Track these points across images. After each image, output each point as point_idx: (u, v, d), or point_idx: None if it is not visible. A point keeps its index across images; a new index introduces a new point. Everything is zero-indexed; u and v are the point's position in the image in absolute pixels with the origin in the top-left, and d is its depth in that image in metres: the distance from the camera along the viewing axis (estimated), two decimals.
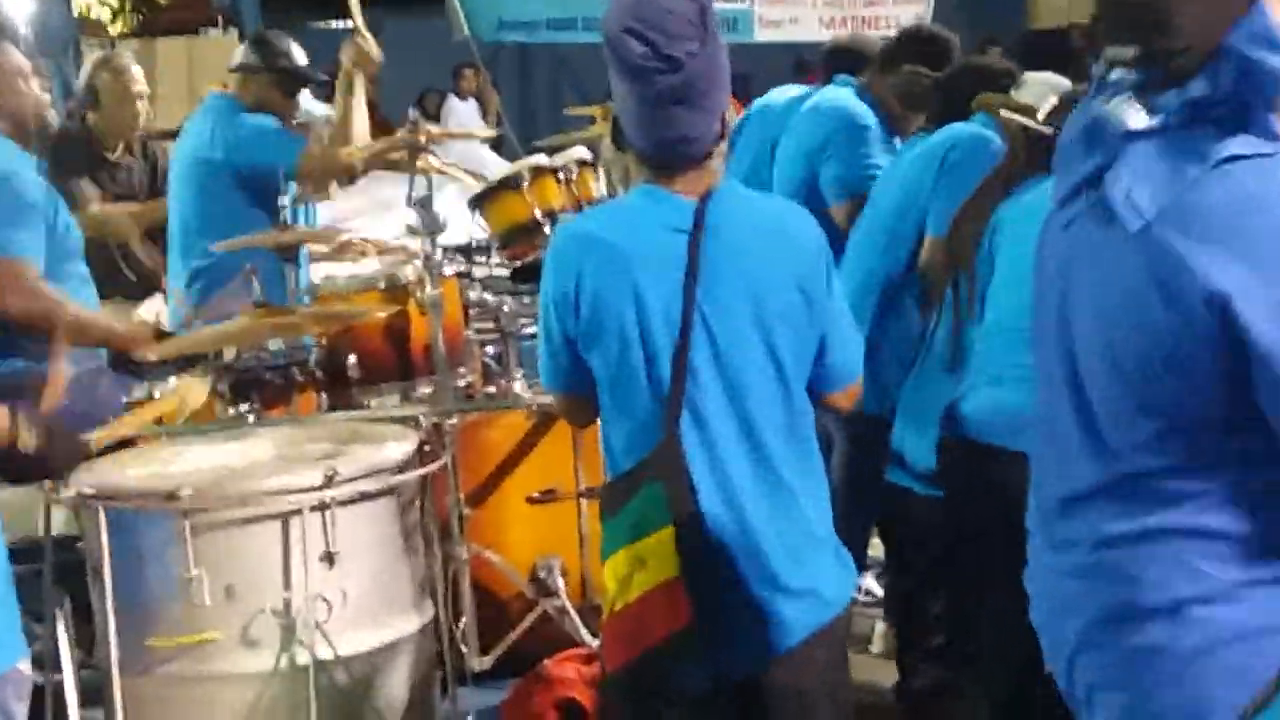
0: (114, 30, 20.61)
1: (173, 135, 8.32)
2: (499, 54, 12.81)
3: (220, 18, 21.31)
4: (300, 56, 6.27)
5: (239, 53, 6.34)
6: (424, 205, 4.88)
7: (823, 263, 3.44)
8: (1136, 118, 2.51)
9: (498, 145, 12.46)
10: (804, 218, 3.53)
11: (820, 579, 3.40)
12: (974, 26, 5.67)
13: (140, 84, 7.15)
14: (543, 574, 5.04)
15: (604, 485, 3.50)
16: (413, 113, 6.60)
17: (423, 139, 5.03)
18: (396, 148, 5.61)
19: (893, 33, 10.03)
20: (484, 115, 14.65)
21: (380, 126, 14.39)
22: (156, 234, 6.74)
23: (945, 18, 10.11)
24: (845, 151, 5.76)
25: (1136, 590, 2.50)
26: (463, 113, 15.09)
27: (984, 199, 4.77)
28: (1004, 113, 4.89)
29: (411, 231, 5.19)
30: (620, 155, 3.55)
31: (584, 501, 5.07)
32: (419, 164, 4.92)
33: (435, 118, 14.66)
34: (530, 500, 5.11)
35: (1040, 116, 4.73)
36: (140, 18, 20.95)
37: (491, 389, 5.28)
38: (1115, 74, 2.58)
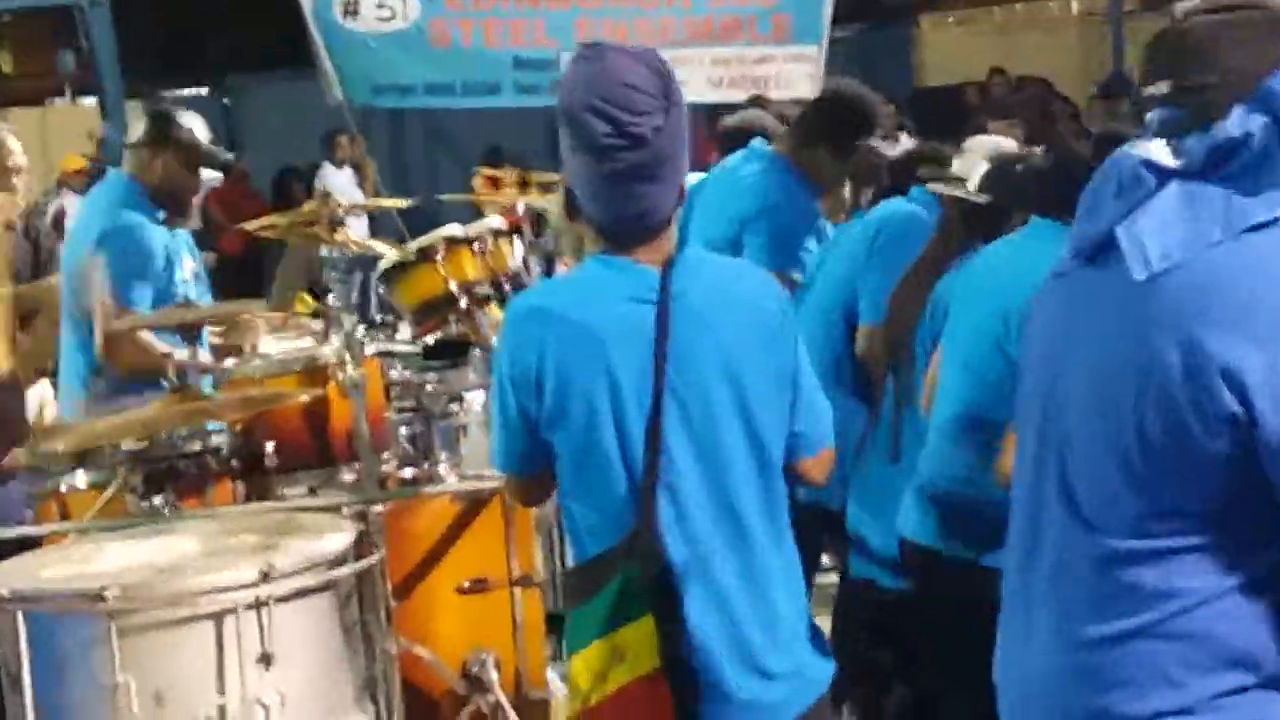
0: None
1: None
2: (370, 119, 12.64)
3: (68, 86, 20.95)
4: (203, 131, 6.01)
5: (134, 125, 6.08)
6: (342, 281, 4.67)
7: (789, 325, 3.33)
8: (1161, 154, 2.42)
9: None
10: (766, 280, 3.43)
11: (803, 659, 3.28)
12: (863, 84, 5.65)
13: (19, 157, 6.81)
14: (475, 669, 4.80)
15: (570, 570, 3.34)
16: (319, 185, 6.39)
17: (340, 211, 4.83)
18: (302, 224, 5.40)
19: (782, 93, 9.96)
20: (361, 183, 14.42)
21: (252, 198, 14.24)
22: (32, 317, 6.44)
23: (836, 74, 10.08)
24: (772, 226, 5.60)
25: (1114, 699, 2.41)
26: (339, 181, 14.84)
27: (919, 279, 4.67)
28: (932, 186, 4.80)
29: (328, 309, 4.94)
30: (571, 226, 3.37)
31: (517, 590, 4.86)
32: (337, 237, 4.72)
33: (308, 187, 14.43)
34: (460, 590, 4.87)
35: (972, 185, 4.64)
36: None
37: (414, 473, 5.06)
38: (1150, 115, 2.49)
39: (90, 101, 17.89)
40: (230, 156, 6.23)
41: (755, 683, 3.19)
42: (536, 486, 3.47)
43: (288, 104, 17.09)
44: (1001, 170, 4.61)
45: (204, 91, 19.57)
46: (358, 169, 14.56)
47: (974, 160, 4.78)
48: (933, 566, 4.19)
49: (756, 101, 8.26)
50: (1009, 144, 4.86)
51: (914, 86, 18.79)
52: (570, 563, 3.38)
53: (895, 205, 5.08)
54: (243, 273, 14.58)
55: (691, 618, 3.16)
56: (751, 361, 3.23)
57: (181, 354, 4.73)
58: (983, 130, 6.89)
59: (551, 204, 3.37)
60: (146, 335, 5.31)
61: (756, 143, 5.91)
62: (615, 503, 3.20)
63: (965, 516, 4.09)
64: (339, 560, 3.82)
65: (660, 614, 3.11)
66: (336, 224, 4.72)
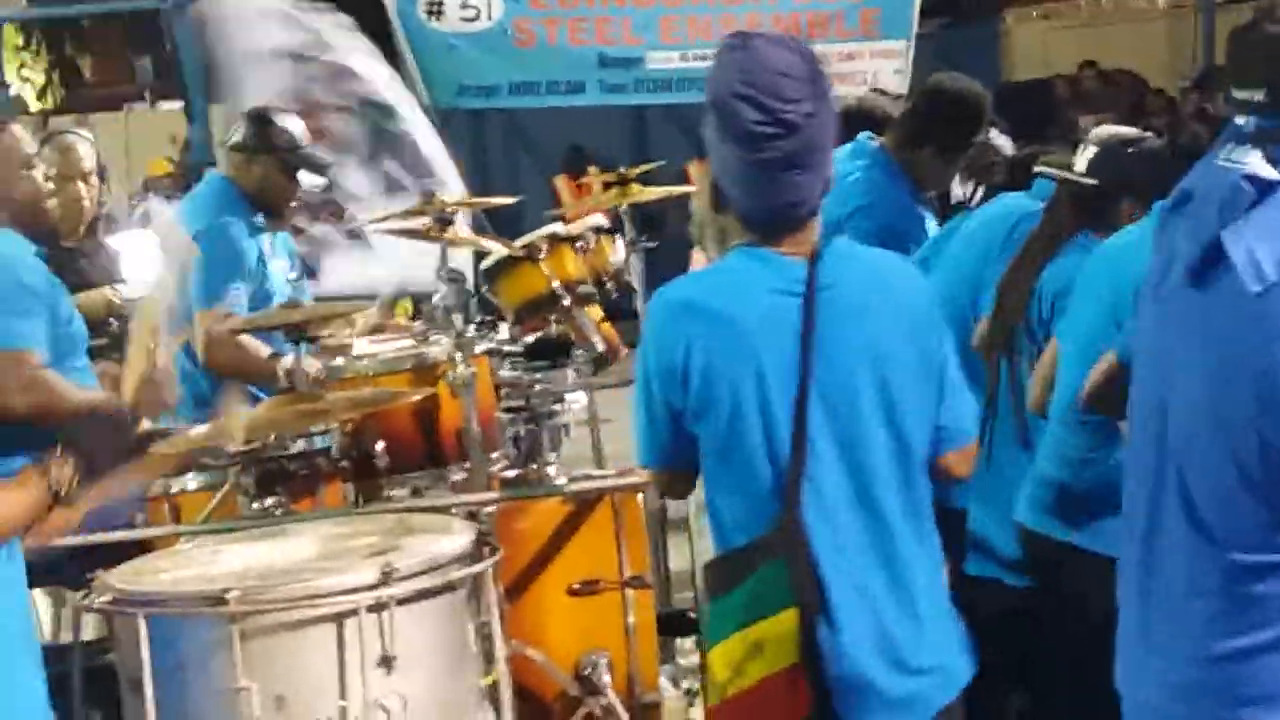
0: (37, 108, 20.34)
1: None
2: (451, 118, 12.61)
3: (147, 91, 21.10)
4: (303, 136, 5.98)
5: (235, 127, 6.05)
6: (454, 279, 4.64)
7: (936, 317, 3.30)
8: (1261, 166, 2.35)
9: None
10: (912, 271, 3.42)
11: (946, 655, 3.26)
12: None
13: (87, 161, 6.71)
14: (587, 671, 4.76)
15: (712, 561, 3.30)
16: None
17: (447, 209, 4.79)
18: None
19: (865, 89, 9.84)
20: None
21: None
22: None
23: (922, 71, 9.98)
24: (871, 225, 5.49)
25: (1247, 714, 2.38)
26: None
27: (1026, 266, 4.60)
28: (1042, 168, 4.73)
29: (441, 306, 4.89)
30: (716, 218, 3.32)
31: (629, 591, 4.80)
32: (447, 235, 4.68)
33: None
34: (571, 592, 4.82)
35: (1080, 167, 4.56)
36: (65, 93, 20.72)
37: (522, 473, 5.01)
38: (1240, 120, 2.41)
39: (170, 106, 17.98)
40: (330, 160, 6.18)
41: (898, 677, 3.17)
42: (680, 480, 3.46)
43: None
44: (1110, 153, 4.53)
45: None
46: None
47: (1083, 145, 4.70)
48: (1055, 556, 4.14)
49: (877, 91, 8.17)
50: (1132, 132, 4.74)
51: (1001, 81, 18.64)
52: (712, 554, 3.34)
53: (1017, 200, 4.97)
54: None
55: (835, 610, 3.13)
56: (898, 355, 3.20)
57: (288, 357, 4.71)
58: (1073, 124, 6.78)
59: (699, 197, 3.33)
60: (248, 338, 5.28)
61: (862, 137, 5.81)
62: (760, 495, 3.17)
63: (1085, 502, 4.03)
64: (459, 561, 3.77)
65: (804, 606, 3.09)
66: (446, 222, 4.67)
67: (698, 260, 3.69)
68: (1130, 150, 4.55)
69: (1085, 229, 4.56)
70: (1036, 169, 4.83)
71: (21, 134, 4.97)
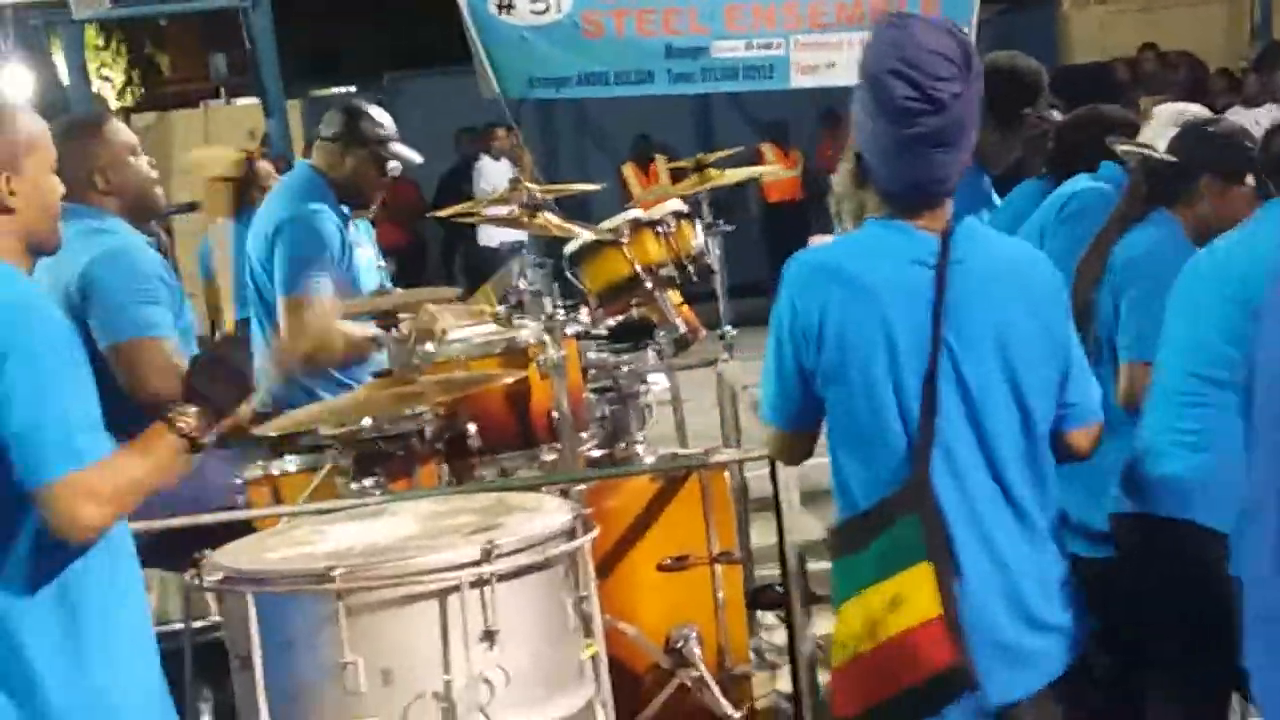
0: (117, 106, 20.57)
1: (192, 207, 8.10)
2: (521, 108, 12.71)
3: (221, 87, 21.31)
4: (392, 128, 6.08)
5: (328, 120, 6.15)
6: (540, 265, 4.73)
7: (1063, 300, 3.40)
8: None
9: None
10: (1040, 256, 3.50)
11: (1070, 615, 3.35)
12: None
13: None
14: (679, 644, 4.85)
15: (841, 523, 3.39)
16: (477, 177, 6.41)
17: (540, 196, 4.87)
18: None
19: None
20: (518, 174, 14.50)
21: (411, 192, 14.31)
22: None
23: (982, 56, 9.98)
24: None
25: None
26: (495, 172, 14.98)
27: (1103, 243, 4.63)
28: (1121, 147, 4.75)
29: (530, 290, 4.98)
30: (856, 192, 3.42)
31: (718, 567, 4.89)
32: (538, 221, 4.77)
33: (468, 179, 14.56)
34: (661, 568, 4.91)
35: (1162, 147, 4.59)
36: (144, 91, 20.94)
37: (611, 453, 5.11)
38: None
39: (246, 102, 18.18)
40: (419, 158, 6.26)
41: (1029, 633, 3.28)
42: (803, 442, 3.56)
43: (439, 99, 17.21)
44: (1193, 132, 4.57)
45: (354, 90, 19.78)
46: (514, 160, 14.68)
47: (1161, 126, 4.73)
48: (1147, 531, 4.15)
49: None
50: (1198, 110, 4.78)
51: (1060, 64, 18.58)
52: (836, 518, 3.43)
53: (1083, 182, 5.00)
54: (402, 266, 14.74)
55: (966, 566, 3.23)
56: (1024, 330, 3.31)
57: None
58: (1134, 107, 6.76)
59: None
60: (345, 323, 5.35)
61: None
62: (888, 458, 3.28)
63: (1180, 478, 4.06)
64: (558, 538, 3.85)
65: (939, 562, 3.17)
66: (535, 209, 4.76)
67: (817, 242, 3.75)
68: (1210, 129, 4.59)
69: (1160, 205, 4.60)
70: (1120, 149, 4.84)
71: (120, 124, 5.08)
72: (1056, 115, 6.90)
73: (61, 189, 3.58)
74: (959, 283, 3.27)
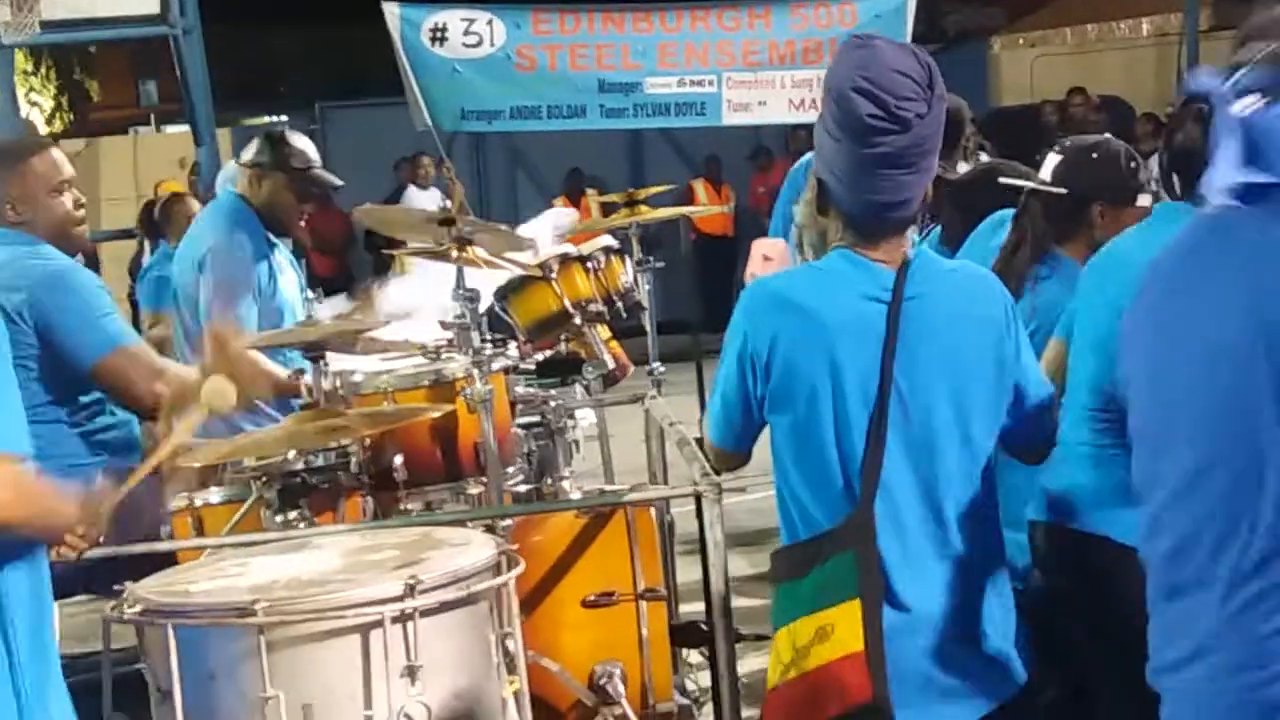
0: (47, 131, 20.44)
1: (126, 235, 8.07)
2: (453, 141, 12.71)
3: (151, 114, 21.22)
4: (316, 158, 6.09)
5: (249, 147, 6.15)
6: (470, 298, 4.72)
7: (1015, 327, 3.43)
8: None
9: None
10: (992, 284, 3.51)
11: (1004, 652, 3.38)
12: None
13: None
14: (603, 681, 4.83)
15: (784, 549, 3.44)
16: (442, 202, 6.43)
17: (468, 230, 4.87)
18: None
19: None
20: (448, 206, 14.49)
21: (340, 221, 14.28)
22: None
23: None
24: None
25: None
26: (422, 201, 14.96)
27: (1007, 277, 4.61)
28: (1007, 181, 4.77)
29: (453, 324, 4.95)
30: (819, 220, 3.44)
31: (643, 604, 4.88)
32: (465, 254, 4.76)
33: None
34: (586, 604, 4.89)
35: (1046, 175, 4.63)
36: (73, 117, 20.80)
37: (538, 488, 5.10)
38: (1237, 77, 2.47)
39: (176, 129, 18.08)
40: (339, 182, 6.27)
41: (957, 670, 3.30)
42: (738, 461, 3.63)
43: (372, 130, 17.20)
44: (1076, 160, 4.59)
45: (285, 119, 19.74)
46: (445, 191, 14.67)
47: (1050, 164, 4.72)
48: (1072, 549, 4.14)
49: None
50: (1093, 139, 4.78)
51: (990, 105, 18.75)
52: (782, 543, 3.48)
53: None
54: (331, 293, 14.68)
55: (898, 603, 3.27)
56: (976, 367, 3.35)
57: (307, 374, 4.79)
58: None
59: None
60: (260, 356, 5.35)
61: None
62: (829, 489, 3.32)
63: (1100, 492, 4.07)
64: (482, 573, 3.84)
65: (868, 598, 3.20)
66: (465, 242, 4.75)
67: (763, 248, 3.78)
68: (1095, 155, 4.62)
69: (1055, 241, 4.60)
70: (1001, 180, 4.87)
71: (60, 158, 5.05)
72: (984, 156, 6.96)
73: None
74: (913, 320, 3.30)
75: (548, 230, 5.75)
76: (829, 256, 3.42)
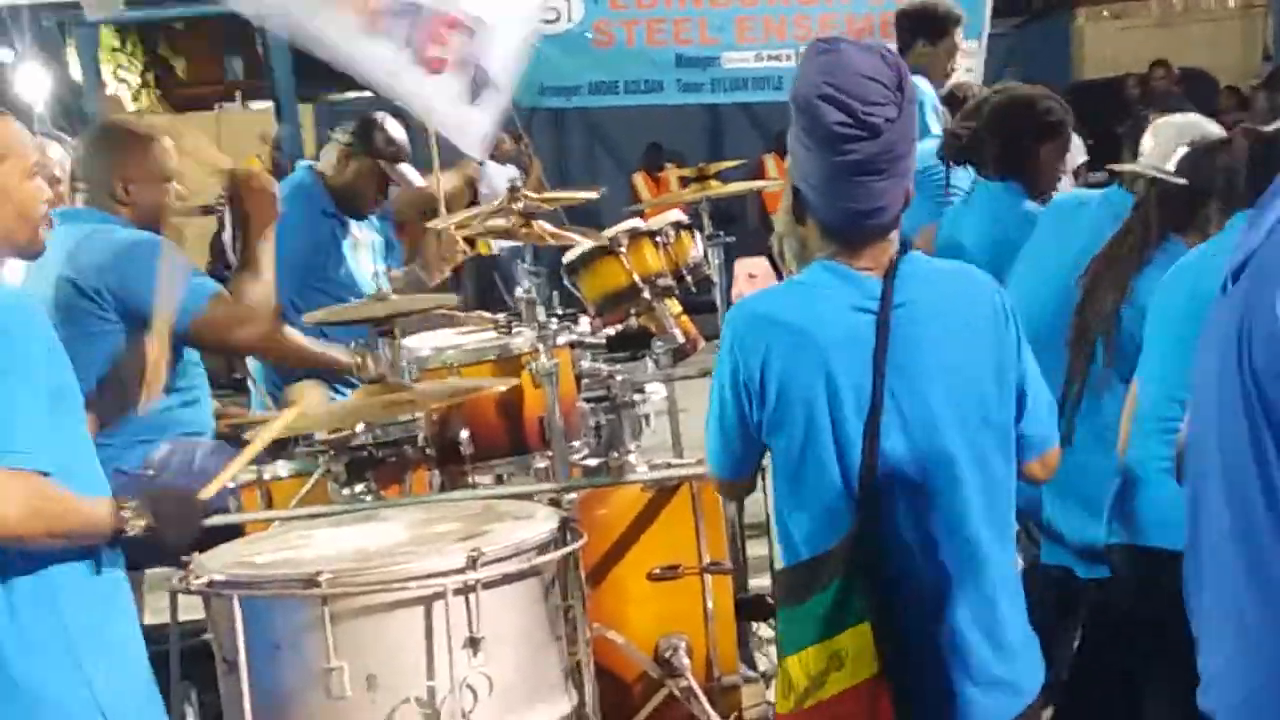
0: (133, 108, 20.60)
1: (206, 211, 8.16)
2: (533, 117, 12.74)
3: (237, 91, 21.36)
4: (407, 151, 6.13)
5: (346, 125, 6.20)
6: (537, 273, 4.75)
7: (1011, 326, 3.30)
8: None
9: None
10: (985, 282, 3.38)
11: (1017, 668, 3.28)
12: (1024, 79, 5.65)
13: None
14: (667, 654, 4.85)
15: (783, 570, 3.34)
16: (511, 177, 6.42)
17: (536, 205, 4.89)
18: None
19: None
20: (525, 181, 14.55)
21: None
22: None
23: (995, 71, 10.01)
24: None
25: None
26: (498, 176, 15.02)
27: (1113, 265, 4.55)
28: (1126, 168, 4.69)
29: (524, 299, 4.97)
30: (796, 229, 3.37)
31: (708, 577, 4.89)
32: (533, 229, 4.79)
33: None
34: (651, 577, 4.91)
35: (1170, 167, 4.51)
36: (159, 94, 20.97)
37: (604, 462, 5.11)
38: None
39: (260, 105, 18.20)
40: (422, 182, 6.30)
41: (970, 689, 3.20)
42: (746, 489, 3.60)
43: None
44: (1201, 155, 4.48)
45: (363, 93, 19.83)
46: (522, 167, 14.70)
47: (1168, 141, 4.60)
48: (1138, 562, 4.10)
49: None
50: (1210, 126, 4.61)
51: (1073, 80, 18.59)
52: (781, 564, 3.39)
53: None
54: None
55: (910, 624, 3.18)
56: (974, 369, 3.23)
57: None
58: (1145, 121, 6.67)
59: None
60: (298, 334, 5.34)
61: None
62: (830, 508, 3.21)
63: (1166, 506, 4.02)
64: (544, 546, 3.87)
65: (879, 621, 3.12)
66: (530, 217, 4.77)
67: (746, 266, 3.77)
68: (1221, 153, 4.43)
69: (1170, 231, 4.51)
70: (1117, 167, 4.80)
71: (172, 148, 5.05)
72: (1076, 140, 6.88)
73: (45, 194, 3.61)
74: (903, 327, 3.18)
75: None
76: (811, 269, 3.30)
